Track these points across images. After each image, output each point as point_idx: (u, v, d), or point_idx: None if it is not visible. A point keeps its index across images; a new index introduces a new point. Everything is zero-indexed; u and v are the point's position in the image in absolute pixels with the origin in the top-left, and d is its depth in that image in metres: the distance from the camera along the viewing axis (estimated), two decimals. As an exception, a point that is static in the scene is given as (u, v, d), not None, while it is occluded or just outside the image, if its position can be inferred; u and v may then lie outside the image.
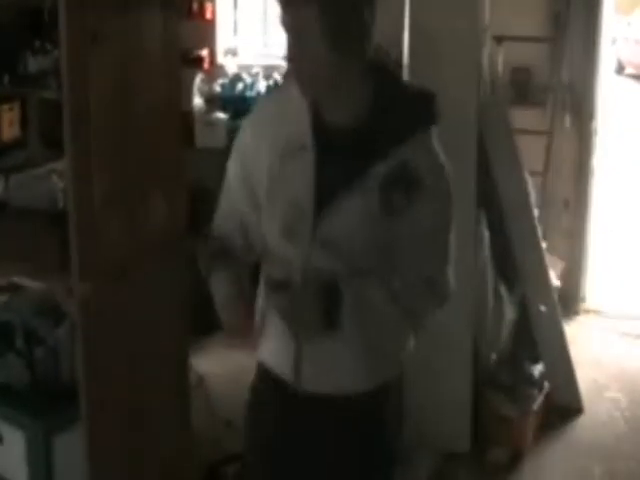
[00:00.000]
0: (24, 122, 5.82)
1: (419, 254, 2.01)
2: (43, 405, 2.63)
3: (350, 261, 1.97)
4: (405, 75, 3.74)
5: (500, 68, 4.68)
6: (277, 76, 5.70)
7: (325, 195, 1.94)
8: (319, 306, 1.92)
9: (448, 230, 2.05)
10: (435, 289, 2.08)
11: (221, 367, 2.16)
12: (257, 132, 2.06)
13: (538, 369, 4.14)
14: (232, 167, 2.14)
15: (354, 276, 1.97)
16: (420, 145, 1.95)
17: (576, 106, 5.39)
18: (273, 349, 2.11)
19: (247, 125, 2.11)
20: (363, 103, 1.93)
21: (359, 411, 2.08)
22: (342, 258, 1.96)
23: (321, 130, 1.95)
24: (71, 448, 2.54)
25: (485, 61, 3.97)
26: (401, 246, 1.98)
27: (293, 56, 1.89)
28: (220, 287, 2.04)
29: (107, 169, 1.77)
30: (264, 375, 2.16)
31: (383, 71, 1.99)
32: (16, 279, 3.31)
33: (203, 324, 2.39)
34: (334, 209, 1.94)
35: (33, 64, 5.62)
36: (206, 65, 5.79)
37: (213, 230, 2.13)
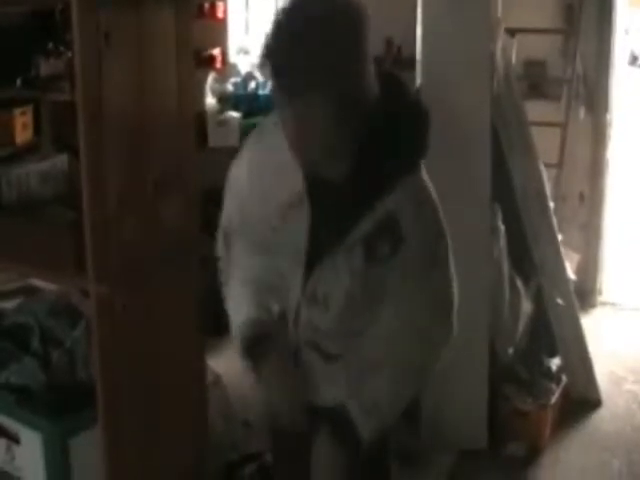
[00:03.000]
0: (37, 126, 5.84)
1: (411, 302, 1.97)
2: (60, 407, 2.62)
3: (339, 316, 1.98)
4: (418, 70, 3.72)
5: (514, 61, 4.65)
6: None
7: (317, 251, 1.94)
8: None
9: (443, 275, 2.00)
10: (433, 338, 2.04)
11: (238, 367, 2.16)
12: (253, 184, 2.02)
13: (555, 363, 4.13)
14: (240, 209, 2.10)
15: (345, 335, 2.00)
16: (406, 192, 1.89)
17: (590, 98, 5.38)
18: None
19: (241, 175, 2.07)
20: (354, 153, 1.87)
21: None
22: (330, 313, 1.97)
23: (315, 186, 1.92)
24: (88, 449, 2.54)
25: (498, 54, 3.95)
26: (392, 295, 1.95)
27: (291, 131, 1.82)
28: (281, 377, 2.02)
29: (121, 170, 1.77)
30: None
31: (374, 111, 1.85)
32: (31, 281, 3.32)
33: (219, 324, 2.39)
34: (321, 266, 1.94)
35: (46, 67, 5.62)
36: (218, 64, 5.78)
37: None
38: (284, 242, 1.98)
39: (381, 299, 1.96)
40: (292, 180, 1.93)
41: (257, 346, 2.01)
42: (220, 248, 2.15)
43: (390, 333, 1.99)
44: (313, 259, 1.95)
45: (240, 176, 2.07)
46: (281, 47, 1.71)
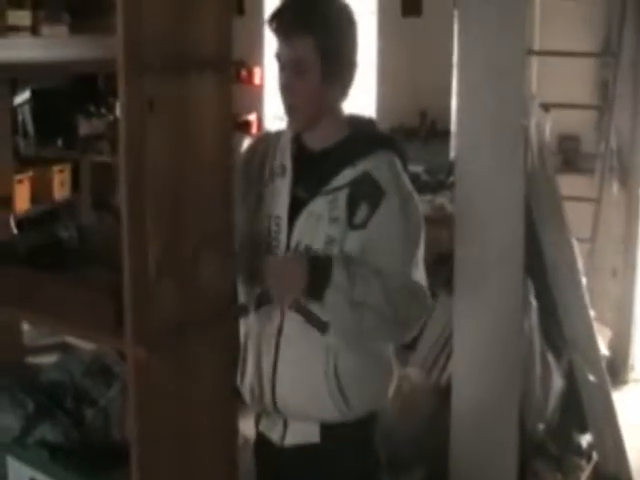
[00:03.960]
0: (75, 184, 5.97)
1: (388, 265, 2.10)
2: (93, 465, 2.63)
3: None
4: (453, 143, 3.78)
5: (547, 136, 4.70)
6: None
7: (299, 206, 2.16)
8: (308, 271, 2.06)
9: (415, 242, 2.17)
10: (412, 296, 2.15)
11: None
12: (250, 159, 2.35)
13: (586, 439, 4.09)
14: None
15: None
16: (383, 160, 2.17)
17: (624, 173, 5.40)
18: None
19: (244, 154, 2.43)
20: (338, 131, 2.24)
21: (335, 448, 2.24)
22: None
23: (300, 154, 2.23)
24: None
25: (532, 129, 4.00)
26: (368, 257, 2.10)
27: (287, 87, 2.17)
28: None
29: (161, 234, 1.81)
30: None
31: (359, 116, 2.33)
32: (66, 338, 3.35)
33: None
34: (301, 217, 2.15)
35: (85, 127, 5.76)
36: (254, 130, 5.90)
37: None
38: (267, 209, 2.22)
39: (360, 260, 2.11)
40: (281, 152, 2.26)
41: None
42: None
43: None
44: (294, 217, 2.17)
45: (243, 156, 2.44)
46: (279, 6, 2.16)
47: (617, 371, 5.27)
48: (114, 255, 1.89)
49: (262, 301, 2.25)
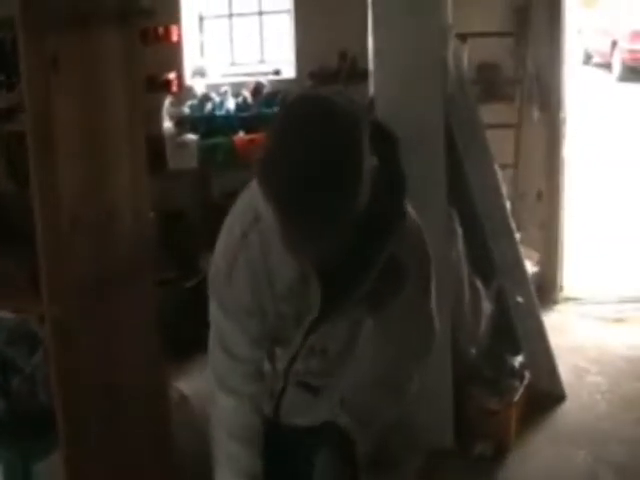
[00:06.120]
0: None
1: (408, 330, 2.00)
2: (21, 434, 2.61)
3: (334, 361, 2.01)
4: (371, 80, 3.77)
5: (466, 65, 4.72)
6: (245, 93, 5.77)
7: (326, 309, 1.86)
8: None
9: (431, 295, 2.01)
10: (423, 358, 2.10)
11: (206, 388, 2.17)
12: (253, 276, 1.85)
13: (519, 360, 4.19)
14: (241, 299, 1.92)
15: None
16: (399, 233, 1.81)
17: (544, 98, 5.45)
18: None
19: (241, 265, 1.85)
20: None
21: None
22: (325, 361, 1.99)
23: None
24: (50, 476, 2.53)
25: (451, 59, 4.01)
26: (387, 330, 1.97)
27: (300, 255, 1.72)
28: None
29: (74, 195, 1.79)
30: None
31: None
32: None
33: (185, 345, 2.38)
34: (326, 325, 1.90)
35: (2, 100, 5.54)
36: (174, 88, 5.81)
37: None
38: (292, 317, 1.90)
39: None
40: (293, 266, 1.81)
41: None
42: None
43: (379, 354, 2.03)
44: (321, 316, 1.88)
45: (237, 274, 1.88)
46: (294, 195, 1.53)
47: (547, 292, 5.41)
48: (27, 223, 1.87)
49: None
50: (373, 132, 1.66)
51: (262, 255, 1.81)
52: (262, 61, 6.21)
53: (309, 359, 2.00)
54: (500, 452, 3.88)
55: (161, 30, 5.68)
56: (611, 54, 15.49)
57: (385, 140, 1.78)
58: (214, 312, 1.91)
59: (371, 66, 3.82)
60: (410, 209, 1.92)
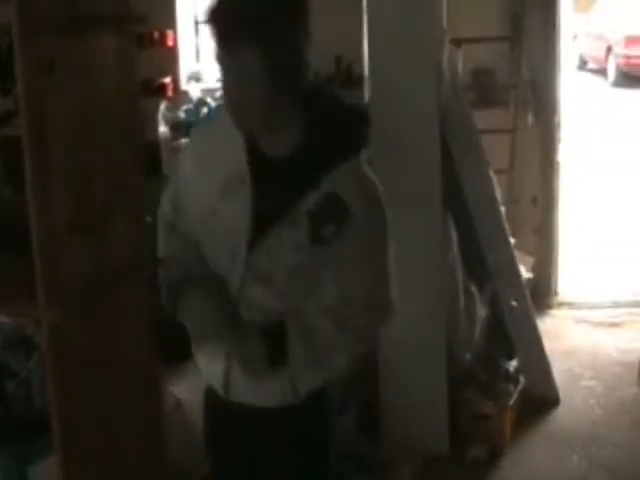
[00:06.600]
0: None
1: (353, 279, 2.02)
2: (16, 437, 2.61)
3: (282, 291, 2.02)
4: (366, 85, 3.78)
5: (460, 70, 4.73)
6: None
7: (261, 227, 1.97)
8: (265, 347, 1.97)
9: (384, 251, 2.06)
10: (375, 310, 2.10)
11: (200, 393, 2.17)
12: (196, 166, 2.07)
13: (513, 365, 4.20)
14: (174, 199, 2.15)
15: (291, 308, 2.02)
16: (349, 174, 1.97)
17: (538, 103, 5.47)
18: (206, 360, 2.15)
19: (185, 159, 2.14)
20: (297, 134, 1.96)
21: (285, 420, 2.11)
22: (274, 289, 2.01)
23: (258, 163, 1.97)
24: (45, 479, 2.53)
25: (445, 64, 4.02)
26: (335, 272, 2.01)
27: (230, 92, 1.91)
28: (198, 304, 2.02)
29: (70, 198, 1.79)
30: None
31: (317, 97, 2.00)
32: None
33: (180, 350, 2.37)
34: (265, 241, 1.98)
35: (-1, 105, 5.51)
36: (170, 92, 5.82)
37: (172, 262, 2.11)
38: (226, 224, 2.01)
39: (322, 277, 2.02)
40: (234, 160, 1.98)
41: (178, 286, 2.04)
42: (162, 244, 2.16)
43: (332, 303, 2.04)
44: (256, 236, 1.98)
45: (183, 161, 2.14)
46: (221, 7, 1.83)
47: (542, 297, 5.42)
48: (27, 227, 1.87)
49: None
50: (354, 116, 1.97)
51: (204, 149, 2.04)
52: (258, 66, 6.21)
53: (256, 285, 2.01)
54: (494, 456, 3.89)
55: (157, 35, 5.69)
56: (606, 59, 15.52)
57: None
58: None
59: (366, 71, 3.83)
60: (369, 171, 2.04)
